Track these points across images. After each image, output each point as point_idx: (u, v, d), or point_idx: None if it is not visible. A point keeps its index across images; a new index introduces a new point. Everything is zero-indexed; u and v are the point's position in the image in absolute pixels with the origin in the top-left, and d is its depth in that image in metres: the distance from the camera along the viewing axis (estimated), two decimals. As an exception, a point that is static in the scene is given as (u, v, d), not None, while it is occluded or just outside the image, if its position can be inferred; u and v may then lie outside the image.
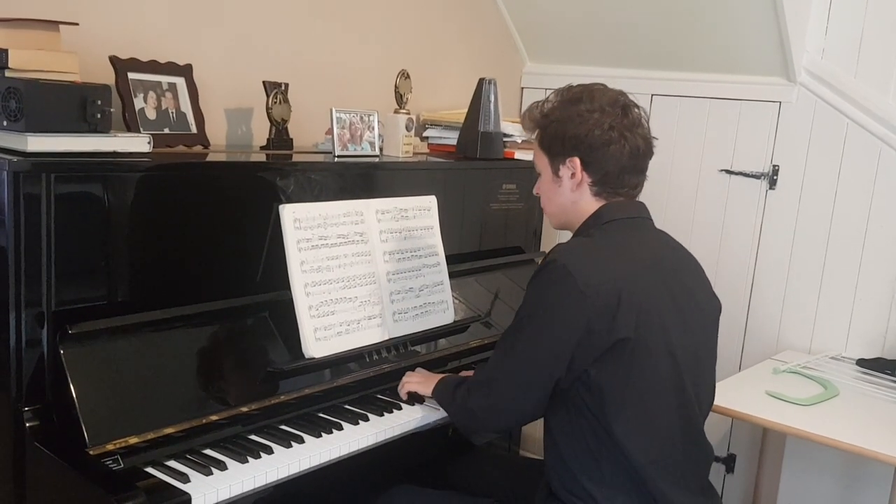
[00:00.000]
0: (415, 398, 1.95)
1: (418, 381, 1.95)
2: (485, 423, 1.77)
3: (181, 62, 2.05)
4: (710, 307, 1.75)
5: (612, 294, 1.54)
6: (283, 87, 2.22)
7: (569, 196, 1.70)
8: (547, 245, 2.86)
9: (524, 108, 3.36)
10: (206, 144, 2.07)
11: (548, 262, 1.60)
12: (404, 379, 1.98)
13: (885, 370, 2.47)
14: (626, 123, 1.65)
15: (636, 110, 1.69)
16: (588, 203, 1.70)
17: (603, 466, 1.59)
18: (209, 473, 1.54)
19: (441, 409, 1.87)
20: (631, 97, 1.70)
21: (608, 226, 1.67)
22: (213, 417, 1.67)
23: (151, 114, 1.96)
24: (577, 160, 1.66)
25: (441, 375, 1.93)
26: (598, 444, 1.59)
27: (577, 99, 1.67)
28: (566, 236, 1.77)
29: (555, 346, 1.57)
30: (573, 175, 1.68)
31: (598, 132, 1.63)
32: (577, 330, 1.54)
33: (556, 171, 1.71)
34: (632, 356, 1.55)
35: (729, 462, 2.90)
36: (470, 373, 2.12)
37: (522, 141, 2.67)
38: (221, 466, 1.56)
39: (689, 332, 1.64)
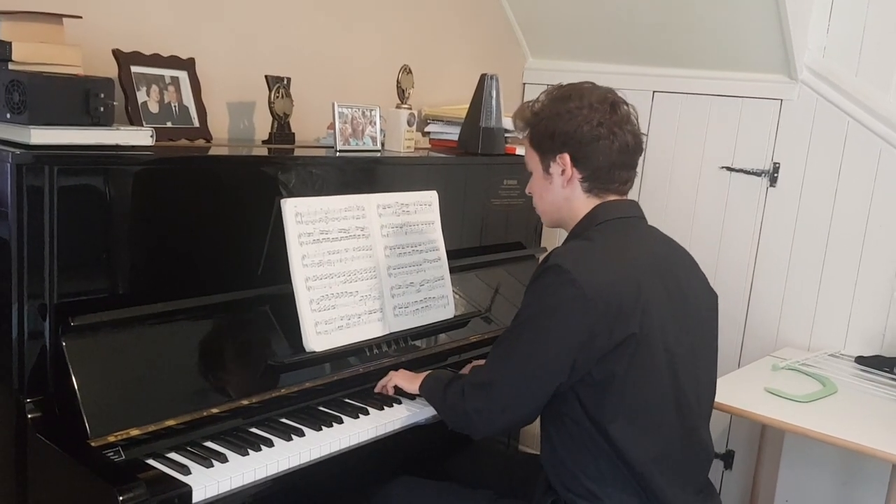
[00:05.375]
0: (393, 397, 1.93)
1: (404, 378, 1.93)
2: (479, 426, 1.68)
3: (184, 56, 2.05)
4: (706, 302, 1.75)
5: (614, 297, 1.53)
6: (285, 82, 2.22)
7: (560, 193, 1.71)
8: (548, 241, 2.86)
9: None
10: (208, 138, 2.07)
11: (549, 266, 1.58)
12: (388, 376, 1.96)
13: (883, 367, 2.47)
14: (615, 120, 1.65)
15: (625, 107, 1.69)
16: (580, 201, 1.70)
17: (601, 465, 1.59)
18: (210, 465, 1.55)
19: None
20: (620, 94, 1.71)
21: (603, 227, 1.67)
22: (214, 410, 1.67)
23: (154, 107, 1.96)
24: (566, 156, 1.67)
25: (425, 373, 1.90)
26: (595, 443, 1.58)
27: (565, 97, 1.68)
28: (564, 233, 1.77)
29: (558, 351, 1.55)
30: (563, 171, 1.68)
31: (587, 128, 1.64)
32: (580, 334, 1.53)
33: (546, 168, 1.71)
34: (634, 354, 1.54)
35: (727, 458, 2.91)
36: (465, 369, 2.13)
37: (523, 137, 2.67)
38: (222, 458, 1.57)
39: (685, 329, 1.64)
